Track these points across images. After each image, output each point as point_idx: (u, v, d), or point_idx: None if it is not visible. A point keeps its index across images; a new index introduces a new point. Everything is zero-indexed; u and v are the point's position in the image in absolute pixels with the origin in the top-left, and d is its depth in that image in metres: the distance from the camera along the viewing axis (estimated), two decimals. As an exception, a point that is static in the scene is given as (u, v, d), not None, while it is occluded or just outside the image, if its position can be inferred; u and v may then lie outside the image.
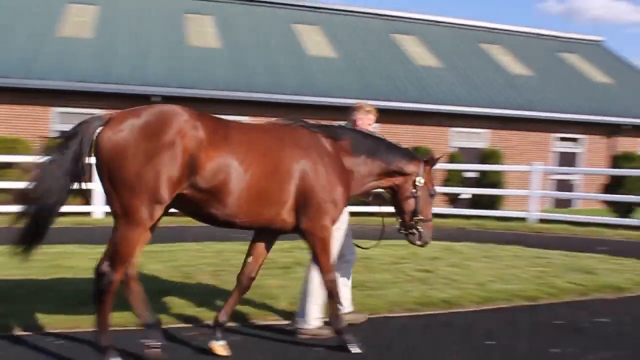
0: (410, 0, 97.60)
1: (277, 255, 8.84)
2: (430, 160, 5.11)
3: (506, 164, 16.97)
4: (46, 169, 4.00)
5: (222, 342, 4.70)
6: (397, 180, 5.00)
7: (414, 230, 5.02)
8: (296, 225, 4.60)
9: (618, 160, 15.89)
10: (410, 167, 5.00)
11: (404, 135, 19.62)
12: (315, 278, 5.13)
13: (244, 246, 9.36)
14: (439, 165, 12.42)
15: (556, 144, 22.14)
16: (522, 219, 13.91)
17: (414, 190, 4.98)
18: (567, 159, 22.12)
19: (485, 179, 15.36)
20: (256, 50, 20.50)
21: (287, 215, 4.53)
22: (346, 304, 5.48)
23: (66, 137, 4.06)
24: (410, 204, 4.99)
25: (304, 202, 4.49)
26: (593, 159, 22.40)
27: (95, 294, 4.10)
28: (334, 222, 4.72)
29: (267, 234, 4.81)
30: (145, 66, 18.04)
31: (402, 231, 5.11)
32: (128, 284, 4.42)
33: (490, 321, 5.86)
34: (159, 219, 4.21)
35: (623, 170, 14.74)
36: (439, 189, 15.53)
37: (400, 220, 5.10)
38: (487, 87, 21.92)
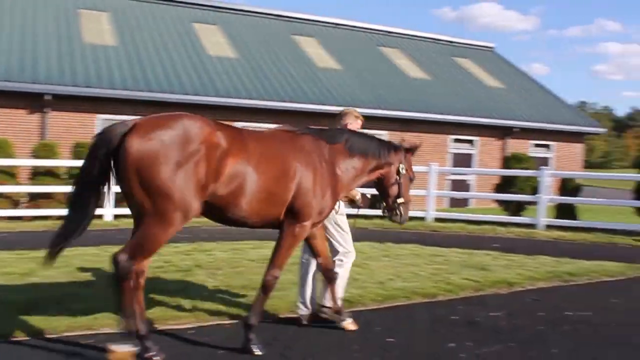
0: (311, 2, 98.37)
1: (177, 258, 8.65)
2: (411, 149, 5.66)
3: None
4: (81, 176, 4.31)
5: (349, 320, 5.44)
6: (384, 170, 5.47)
7: (396, 212, 5.53)
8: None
9: (509, 161, 16.60)
10: (395, 158, 5.50)
11: (305, 136, 19.72)
12: (339, 270, 5.62)
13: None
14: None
15: (452, 145, 22.89)
16: (421, 218, 14.25)
17: (397, 177, 5.51)
18: (463, 160, 22.91)
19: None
20: (154, 48, 20.03)
21: (284, 212, 4.88)
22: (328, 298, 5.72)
23: (92, 145, 4.28)
24: (394, 190, 5.52)
25: (296, 201, 4.81)
26: (486, 159, 23.33)
27: (115, 282, 4.29)
28: (313, 226, 5.07)
29: (316, 234, 5.31)
30: (36, 63, 17.21)
31: (385, 213, 5.66)
32: (134, 290, 4.43)
33: (390, 319, 5.95)
34: None
35: (514, 171, 15.39)
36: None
37: (384, 203, 5.63)
38: (386, 90, 22.36)
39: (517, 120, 23.65)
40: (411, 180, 5.68)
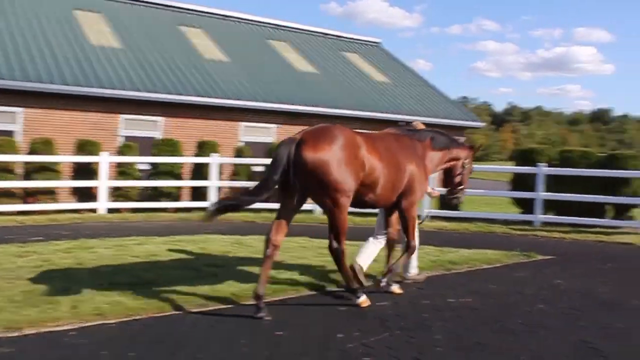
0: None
1: (56, 257, 8.27)
2: (474, 148, 7.59)
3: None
4: (269, 172, 5.70)
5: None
6: (452, 163, 7.32)
7: (458, 195, 7.53)
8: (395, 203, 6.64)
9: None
10: (463, 154, 7.34)
11: (191, 129, 19.36)
12: (375, 245, 7.21)
13: (19, 248, 8.74)
14: (228, 160, 12.50)
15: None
16: (309, 211, 14.34)
17: (462, 169, 7.39)
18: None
19: (273, 173, 15.57)
20: (31, 36, 18.99)
21: (396, 198, 6.53)
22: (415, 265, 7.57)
23: (274, 157, 5.69)
24: (458, 179, 7.44)
25: (407, 189, 6.52)
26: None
27: (335, 260, 6.02)
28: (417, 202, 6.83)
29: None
30: None
31: (449, 196, 7.62)
32: (269, 258, 5.95)
33: (280, 312, 5.94)
34: None
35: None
36: (228, 183, 15.57)
37: (449, 189, 7.57)
38: (275, 83, 22.34)
39: (403, 115, 24.25)
40: (470, 172, 7.57)
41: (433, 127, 22.52)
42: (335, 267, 7.88)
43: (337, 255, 5.95)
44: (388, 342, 5.10)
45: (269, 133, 21.15)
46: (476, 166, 9.23)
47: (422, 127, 7.53)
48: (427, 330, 5.47)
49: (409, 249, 6.83)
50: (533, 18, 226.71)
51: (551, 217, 13.72)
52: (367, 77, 26.81)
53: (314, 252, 9.23)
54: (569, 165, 14.06)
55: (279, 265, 7.99)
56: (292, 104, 21.31)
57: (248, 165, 15.79)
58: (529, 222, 13.48)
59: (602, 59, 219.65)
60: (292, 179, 5.66)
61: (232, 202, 5.91)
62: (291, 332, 5.33)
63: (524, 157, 15.48)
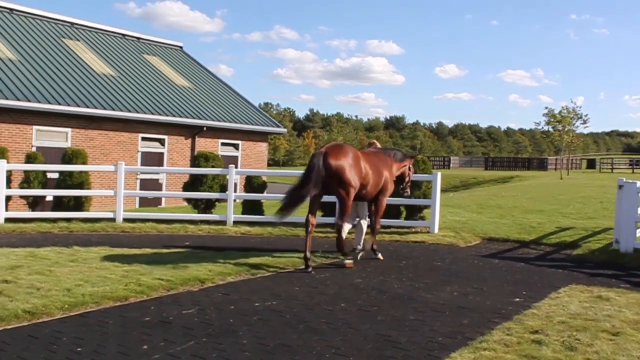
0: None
1: None
2: (413, 157, 11.32)
3: (91, 164, 16.61)
4: (306, 174, 8.71)
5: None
6: (404, 169, 10.51)
7: (408, 190, 10.95)
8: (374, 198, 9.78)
9: (198, 159, 16.77)
10: (408, 161, 10.58)
11: (-24, 133, 17.81)
12: (364, 225, 9.87)
13: None
14: (17, 167, 11.70)
15: (142, 143, 22.56)
16: (110, 220, 13.79)
17: (409, 172, 10.68)
18: (153, 159, 22.73)
19: (70, 180, 14.73)
20: None
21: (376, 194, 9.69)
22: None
23: (310, 161, 8.75)
24: (407, 179, 10.71)
25: (385, 187, 9.67)
26: (176, 158, 23.45)
27: (337, 232, 8.92)
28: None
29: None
30: None
31: (402, 191, 10.88)
32: (310, 232, 8.86)
33: (79, 327, 5.66)
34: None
35: (202, 169, 15.61)
36: (18, 191, 14.47)
37: (402, 187, 10.75)
38: (71, 85, 21.23)
39: (206, 120, 24.20)
40: (414, 173, 11.38)
41: (239, 132, 22.65)
42: (142, 274, 7.74)
43: (339, 229, 8.88)
44: (194, 350, 5.05)
45: (65, 137, 20.03)
46: (280, 171, 9.83)
47: (378, 145, 10.83)
48: (234, 336, 5.49)
49: (374, 230, 9.90)
50: (329, 29, 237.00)
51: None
52: (169, 80, 26.40)
53: (115, 262, 8.86)
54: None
55: (78, 278, 7.60)
56: (89, 107, 20.42)
57: (42, 172, 14.72)
58: (331, 225, 13.97)
59: (394, 69, 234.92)
60: (320, 179, 8.54)
61: (293, 199, 8.70)
62: (92, 347, 5.09)
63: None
